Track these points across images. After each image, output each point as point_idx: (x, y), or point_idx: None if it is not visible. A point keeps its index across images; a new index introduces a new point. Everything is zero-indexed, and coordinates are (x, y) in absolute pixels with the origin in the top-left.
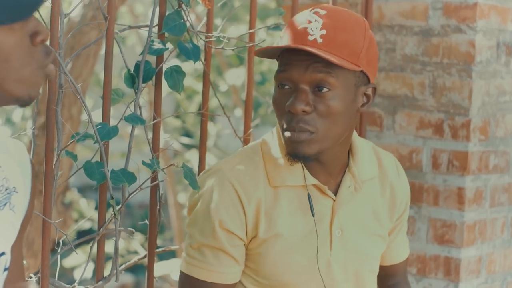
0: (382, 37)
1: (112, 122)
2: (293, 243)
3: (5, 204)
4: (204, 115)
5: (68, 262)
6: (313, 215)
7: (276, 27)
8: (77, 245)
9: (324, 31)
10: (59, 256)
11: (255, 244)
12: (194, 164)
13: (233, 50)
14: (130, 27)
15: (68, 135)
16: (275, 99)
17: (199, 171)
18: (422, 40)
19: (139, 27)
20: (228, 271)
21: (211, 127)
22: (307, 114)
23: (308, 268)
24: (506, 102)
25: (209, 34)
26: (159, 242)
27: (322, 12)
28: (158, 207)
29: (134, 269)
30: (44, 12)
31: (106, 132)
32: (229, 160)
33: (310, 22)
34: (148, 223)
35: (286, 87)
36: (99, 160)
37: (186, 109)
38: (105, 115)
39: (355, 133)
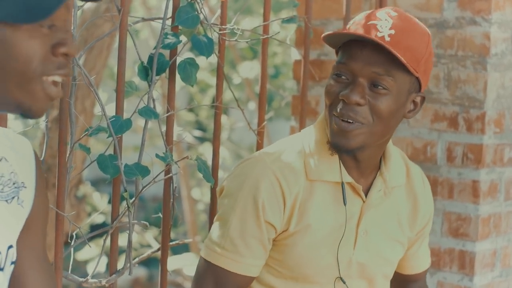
0: None
1: (126, 115)
2: (321, 237)
3: (13, 198)
4: (218, 107)
5: (81, 255)
6: (345, 204)
7: (290, 19)
8: (90, 239)
9: (393, 31)
10: (72, 249)
11: (284, 236)
12: (208, 158)
13: (247, 42)
14: (143, 20)
15: (81, 128)
16: (329, 87)
17: (213, 164)
18: (437, 33)
19: (152, 19)
20: (256, 264)
21: (224, 120)
22: (359, 106)
23: (331, 263)
24: None
25: (223, 27)
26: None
27: (393, 13)
28: (171, 200)
29: (147, 262)
30: None
31: (120, 126)
32: (270, 151)
33: (380, 19)
34: (161, 216)
35: (343, 77)
36: (112, 153)
37: (199, 102)
38: (119, 108)
39: (390, 142)
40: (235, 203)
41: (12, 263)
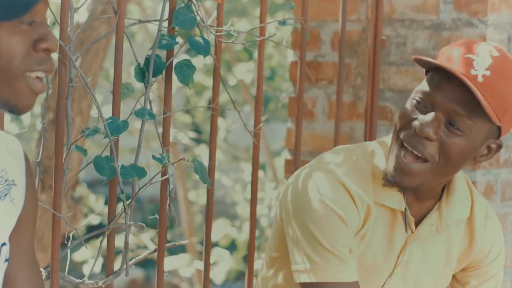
0: (392, 31)
1: (122, 117)
2: (368, 265)
3: (6, 195)
4: (214, 109)
5: (78, 256)
6: (406, 231)
7: (287, 21)
8: (87, 240)
9: (488, 72)
10: (69, 251)
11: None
12: (204, 159)
13: (243, 44)
14: (140, 21)
15: (78, 130)
16: (406, 110)
17: (210, 166)
18: (433, 34)
19: (149, 21)
20: (356, 267)
21: (220, 122)
22: (429, 141)
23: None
24: None
25: (220, 28)
26: (169, 237)
27: (495, 53)
28: (168, 201)
29: (144, 263)
30: (53, 6)
31: (116, 127)
32: (333, 163)
33: (478, 55)
34: (158, 217)
35: (422, 105)
36: (109, 155)
37: (195, 104)
38: (115, 110)
39: (459, 173)
40: (314, 219)
41: (6, 260)
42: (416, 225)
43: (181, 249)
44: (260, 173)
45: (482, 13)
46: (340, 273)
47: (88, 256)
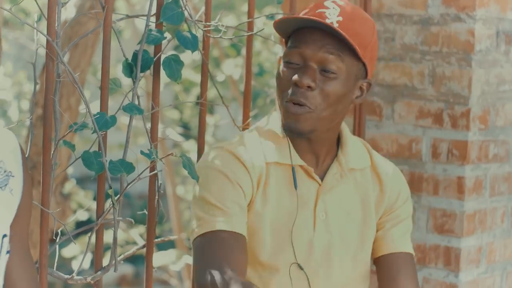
0: (381, 26)
1: (110, 112)
2: (277, 221)
3: (6, 185)
4: (203, 104)
5: (67, 252)
6: (295, 187)
7: (275, 16)
8: (76, 236)
9: (340, 18)
10: (57, 246)
11: (248, 214)
12: (192, 155)
13: (231, 39)
14: (128, 16)
15: (66, 126)
16: (280, 73)
17: (198, 161)
18: (421, 29)
19: (137, 16)
20: (245, 221)
21: (209, 118)
22: (311, 90)
23: (287, 248)
24: (505, 91)
25: (208, 24)
26: (157, 232)
27: (340, 2)
28: (156, 197)
29: (133, 259)
30: (41, 2)
31: (104, 122)
32: (227, 142)
33: (328, 8)
34: (147, 213)
35: (294, 63)
36: (97, 150)
37: (183, 100)
38: (103, 105)
39: (346, 129)
40: (204, 184)
41: (7, 252)
42: (322, 179)
43: (170, 244)
44: None
45: (470, 8)
46: (223, 223)
47: (77, 252)
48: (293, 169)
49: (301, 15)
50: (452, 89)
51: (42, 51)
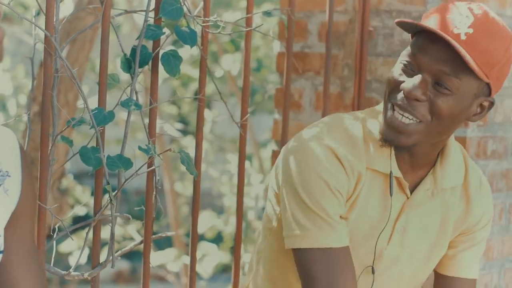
0: (380, 22)
1: (108, 108)
2: (364, 226)
3: (0, 185)
4: (201, 100)
5: (64, 248)
6: (391, 194)
7: (273, 11)
8: (73, 231)
9: (471, 30)
10: (54, 242)
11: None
12: (190, 151)
13: (230, 35)
14: (126, 12)
15: (64, 121)
16: (393, 74)
17: (196, 157)
18: None
19: (135, 11)
20: (347, 232)
21: (207, 113)
22: (419, 102)
23: (366, 252)
24: (504, 87)
25: (206, 19)
26: (155, 228)
27: (477, 11)
28: (154, 193)
29: (130, 255)
30: None
31: (102, 117)
32: (326, 131)
33: (460, 15)
34: (144, 208)
35: (409, 68)
36: (95, 145)
37: (182, 95)
38: (101, 100)
39: (452, 140)
40: (303, 184)
41: (1, 252)
42: (412, 191)
43: (167, 240)
44: (247, 164)
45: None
46: (329, 238)
47: (74, 248)
48: (390, 178)
49: (429, 14)
50: None
51: (40, 46)
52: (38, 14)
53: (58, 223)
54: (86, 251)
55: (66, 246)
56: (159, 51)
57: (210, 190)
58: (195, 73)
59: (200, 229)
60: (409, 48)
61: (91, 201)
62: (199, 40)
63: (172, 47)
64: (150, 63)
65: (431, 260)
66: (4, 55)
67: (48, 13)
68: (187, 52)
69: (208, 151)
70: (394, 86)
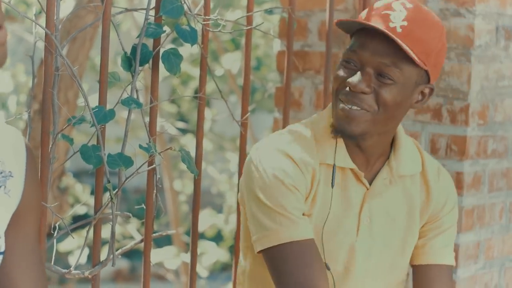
0: None
1: (109, 106)
2: (333, 227)
3: (1, 186)
4: (201, 98)
5: (64, 246)
6: (332, 186)
7: (274, 10)
8: (73, 230)
9: (405, 23)
10: (55, 241)
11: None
12: (190, 149)
13: (230, 33)
14: (127, 10)
15: (64, 119)
16: (338, 73)
17: (196, 155)
18: None
19: (136, 10)
20: (309, 225)
21: (207, 112)
22: (365, 94)
23: (328, 255)
24: (505, 86)
25: (207, 17)
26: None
27: (409, 5)
28: (155, 191)
29: (130, 254)
30: None
31: (103, 116)
32: (278, 138)
33: (394, 10)
34: (144, 207)
35: (352, 64)
36: (95, 144)
37: (182, 94)
38: (102, 99)
39: (401, 129)
40: (260, 189)
41: (1, 253)
42: (371, 183)
43: (167, 239)
44: None
45: (470, 3)
46: (293, 232)
47: (74, 247)
48: (334, 167)
49: (366, 14)
50: (451, 84)
51: (41, 44)
52: (39, 12)
53: (59, 221)
54: (86, 250)
55: (66, 245)
56: (159, 49)
57: (210, 189)
58: (195, 71)
59: (200, 228)
60: (348, 47)
61: (91, 199)
62: (199, 38)
63: (172, 46)
64: (150, 61)
65: (406, 250)
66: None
67: (48, 12)
68: (187, 50)
69: (208, 150)
70: (340, 82)
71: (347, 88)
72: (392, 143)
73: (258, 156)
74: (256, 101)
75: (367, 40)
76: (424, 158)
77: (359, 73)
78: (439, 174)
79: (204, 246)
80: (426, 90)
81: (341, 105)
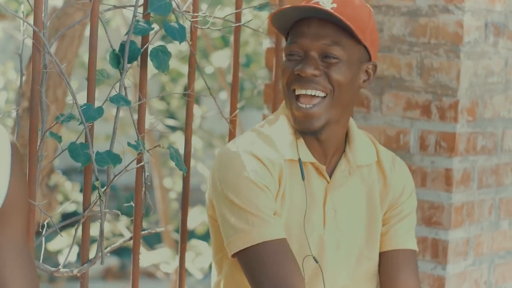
0: None
1: (97, 104)
2: (293, 217)
3: None
4: (190, 96)
5: (53, 245)
6: (303, 178)
7: (263, 7)
8: (62, 228)
9: (334, 5)
10: (43, 239)
11: None
12: (179, 147)
13: (219, 30)
14: (115, 7)
15: (52, 117)
16: (284, 68)
17: (185, 153)
18: (409, 21)
19: (124, 7)
20: (281, 224)
21: (196, 109)
22: (316, 77)
23: (302, 241)
24: (494, 83)
25: (195, 14)
26: (144, 225)
27: None
28: (143, 189)
29: (119, 252)
30: None
31: (91, 113)
32: (242, 140)
33: None
34: (133, 205)
35: (296, 55)
36: (84, 141)
37: (171, 91)
38: (90, 96)
39: (353, 124)
40: (231, 192)
41: None
42: (330, 176)
43: (157, 237)
44: None
45: None
46: (266, 232)
47: (63, 245)
48: (299, 161)
49: (297, 5)
50: (440, 80)
51: (29, 42)
52: (30, 12)
53: (47, 219)
54: (76, 249)
55: (55, 244)
56: (148, 46)
57: (199, 186)
58: (184, 68)
59: (190, 225)
60: (288, 43)
61: (80, 197)
62: (188, 35)
63: (161, 43)
64: (139, 58)
65: (372, 238)
66: None
67: (36, 9)
68: (176, 47)
69: (197, 147)
70: (289, 74)
71: (297, 76)
72: (346, 137)
73: (223, 160)
74: (245, 98)
75: (304, 28)
76: (378, 148)
77: (304, 59)
78: (394, 163)
79: (198, 247)
80: (370, 68)
81: (296, 103)
